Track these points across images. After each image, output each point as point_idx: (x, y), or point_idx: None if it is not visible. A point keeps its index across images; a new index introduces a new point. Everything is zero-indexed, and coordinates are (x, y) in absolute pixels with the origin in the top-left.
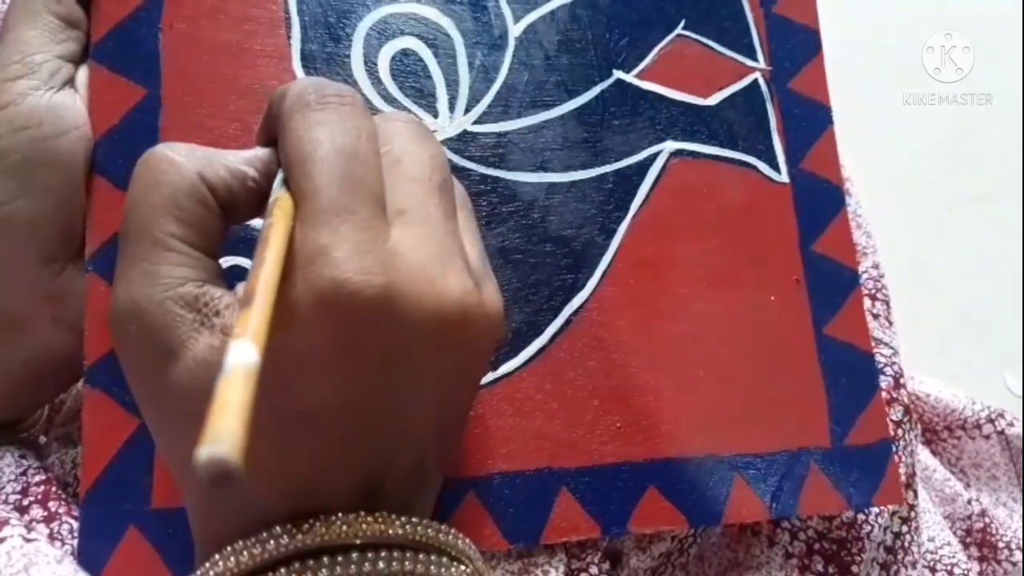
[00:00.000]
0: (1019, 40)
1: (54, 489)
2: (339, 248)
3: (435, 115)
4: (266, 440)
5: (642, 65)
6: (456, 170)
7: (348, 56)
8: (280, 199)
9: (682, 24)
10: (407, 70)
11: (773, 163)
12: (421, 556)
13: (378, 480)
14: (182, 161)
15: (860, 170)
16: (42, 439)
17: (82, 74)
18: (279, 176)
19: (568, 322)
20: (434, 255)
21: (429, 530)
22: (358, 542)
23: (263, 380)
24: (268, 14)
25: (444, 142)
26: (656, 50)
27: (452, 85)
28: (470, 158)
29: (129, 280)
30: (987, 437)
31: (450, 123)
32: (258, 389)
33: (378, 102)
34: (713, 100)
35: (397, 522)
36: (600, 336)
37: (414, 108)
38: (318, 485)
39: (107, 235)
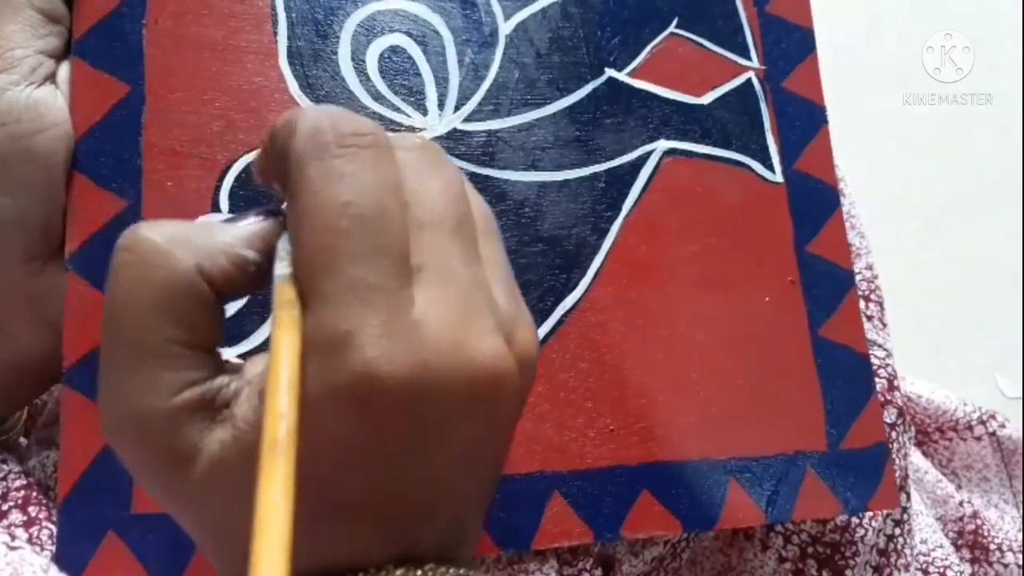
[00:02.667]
0: (1019, 40)
1: (34, 494)
2: (363, 334)
3: (424, 113)
4: (303, 530)
5: (634, 63)
6: None
7: (336, 53)
8: (284, 292)
9: (675, 22)
10: (396, 67)
11: (767, 163)
12: None
13: (415, 545)
14: (177, 254)
15: (859, 170)
16: (23, 441)
17: (64, 70)
18: (283, 245)
19: (560, 323)
20: (461, 319)
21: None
22: None
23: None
24: (254, 10)
25: (434, 140)
26: (648, 48)
27: (441, 83)
28: (460, 157)
29: (124, 391)
30: (979, 439)
31: (439, 121)
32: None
33: (367, 100)
34: (706, 99)
35: (431, 572)
36: (592, 337)
37: (403, 106)
38: (356, 559)
39: (88, 234)
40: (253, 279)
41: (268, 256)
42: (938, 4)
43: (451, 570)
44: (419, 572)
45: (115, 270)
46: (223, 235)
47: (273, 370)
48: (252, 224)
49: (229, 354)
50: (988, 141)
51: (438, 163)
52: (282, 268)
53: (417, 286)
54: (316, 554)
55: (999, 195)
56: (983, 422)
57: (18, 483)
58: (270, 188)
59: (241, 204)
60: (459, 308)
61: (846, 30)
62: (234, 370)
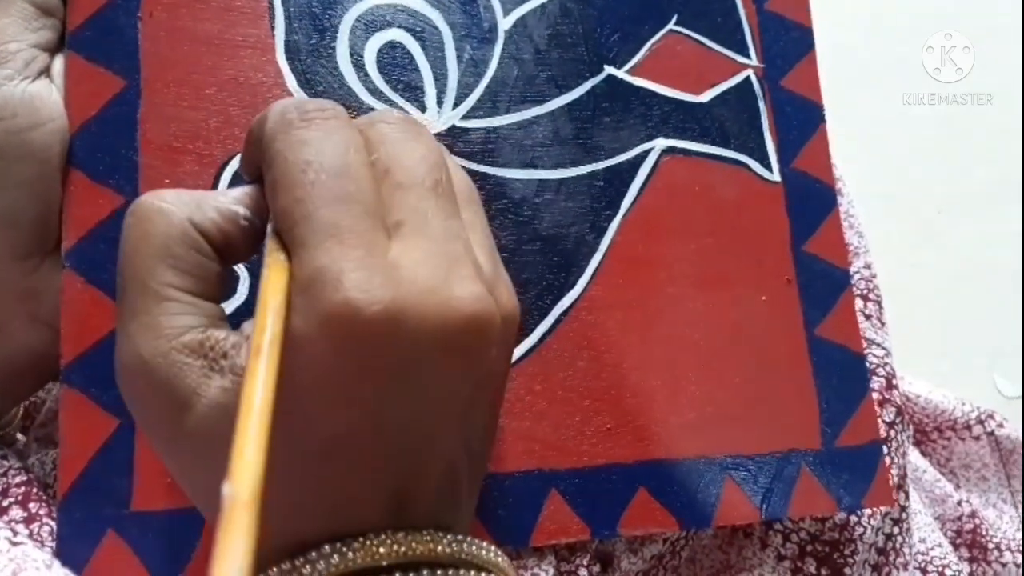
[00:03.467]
0: (1019, 40)
1: (35, 490)
2: (337, 268)
3: (423, 109)
4: (291, 474)
5: (633, 61)
6: None
7: (333, 48)
8: (270, 243)
9: (674, 20)
10: (394, 63)
11: (765, 162)
12: (451, 572)
13: (408, 497)
14: (170, 208)
15: (858, 170)
16: (20, 437)
17: (58, 64)
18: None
19: (558, 321)
20: (438, 264)
21: (464, 545)
22: (385, 564)
23: (279, 416)
24: (251, 4)
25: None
26: (648, 46)
27: (440, 79)
28: (459, 154)
29: (130, 335)
30: (977, 438)
31: (438, 118)
32: (275, 426)
33: (364, 95)
34: (705, 97)
35: (430, 539)
36: (590, 336)
37: (401, 102)
38: (348, 508)
39: (84, 230)
40: (246, 235)
41: (261, 217)
42: (938, 4)
43: (460, 539)
44: (430, 536)
45: (123, 231)
46: (216, 195)
47: (261, 300)
48: (243, 187)
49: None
50: (988, 141)
51: (417, 133)
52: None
53: (396, 237)
54: (308, 501)
55: (998, 195)
56: (981, 422)
57: (18, 479)
58: (253, 180)
59: None
60: (437, 256)
61: (846, 30)
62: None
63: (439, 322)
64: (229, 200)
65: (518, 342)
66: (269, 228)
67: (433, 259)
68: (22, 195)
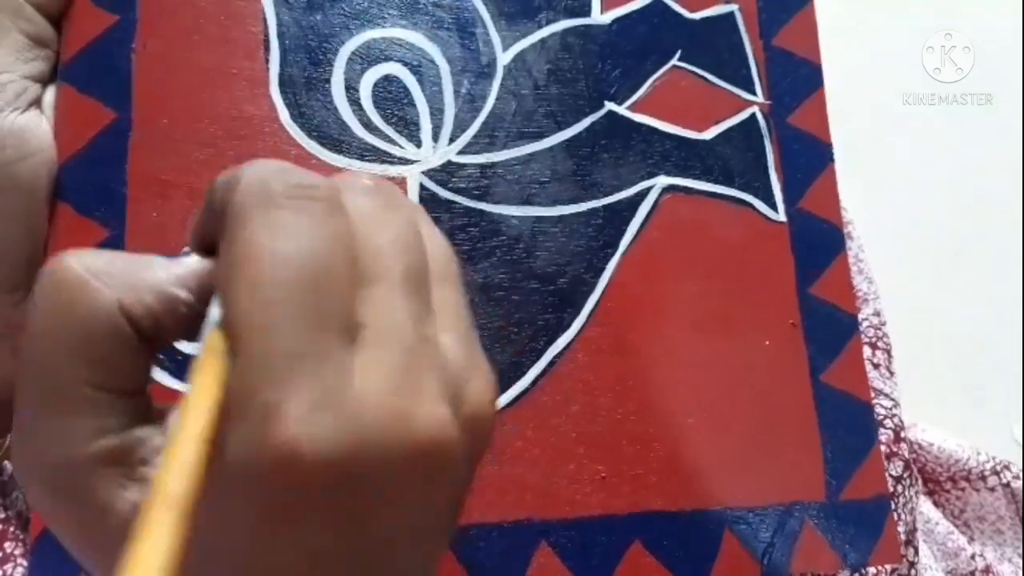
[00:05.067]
0: (1019, 40)
1: (12, 529)
2: (290, 406)
3: (418, 144)
4: None
5: (635, 97)
6: (439, 203)
7: (328, 81)
8: (214, 339)
9: (678, 55)
10: (390, 97)
11: (770, 201)
12: None
13: None
14: (98, 288)
15: (858, 169)
16: (7, 465)
17: (49, 95)
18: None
19: (552, 364)
20: (401, 384)
21: None
22: None
23: (196, 565)
24: (247, 36)
25: (427, 172)
26: (650, 81)
27: (437, 114)
28: (454, 189)
29: (35, 437)
30: (992, 489)
31: (433, 153)
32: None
33: (359, 130)
34: (709, 134)
35: None
36: (586, 379)
37: (396, 137)
38: None
39: None
40: (184, 322)
41: (204, 299)
42: (938, 4)
43: None
44: None
45: (33, 300)
46: (155, 270)
47: (184, 418)
48: (190, 262)
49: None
50: (988, 141)
51: (391, 208)
52: (217, 313)
53: (358, 347)
54: None
55: (1009, 234)
56: (997, 472)
57: None
58: (201, 253)
59: None
60: (400, 371)
61: (846, 30)
62: (160, 420)
63: (401, 455)
64: (170, 279)
65: (505, 389)
66: (214, 315)
67: (394, 379)
68: (9, 228)
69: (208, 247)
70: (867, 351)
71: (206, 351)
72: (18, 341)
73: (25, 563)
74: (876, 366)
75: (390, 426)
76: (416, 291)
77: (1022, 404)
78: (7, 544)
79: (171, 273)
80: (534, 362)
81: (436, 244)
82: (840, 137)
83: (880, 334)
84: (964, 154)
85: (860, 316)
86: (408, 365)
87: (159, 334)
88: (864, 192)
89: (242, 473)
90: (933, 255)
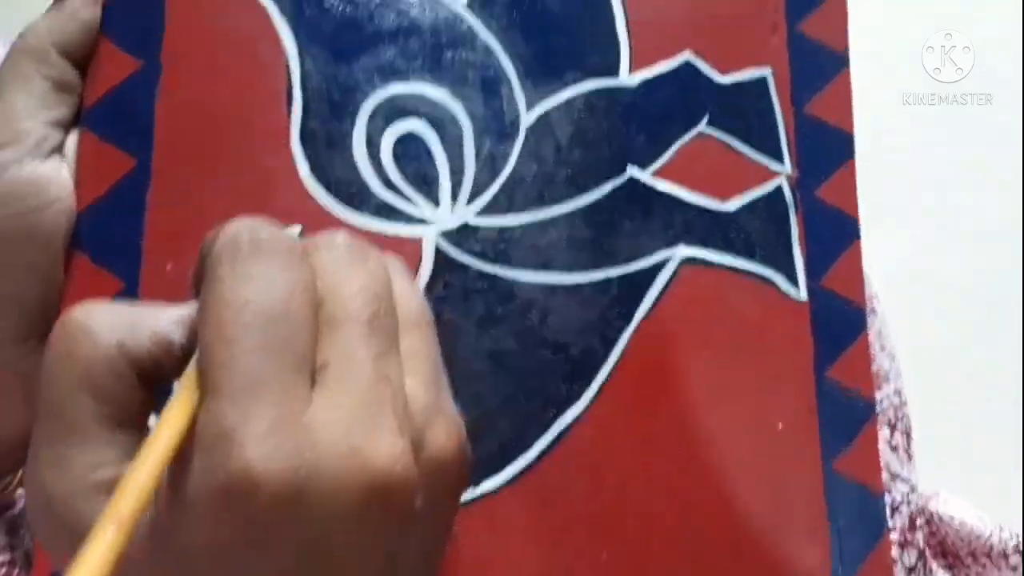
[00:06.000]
0: (1019, 40)
1: (16, 571)
2: (247, 432)
3: (436, 204)
4: None
5: (659, 163)
6: (454, 265)
7: (350, 136)
8: (187, 373)
9: (705, 120)
10: (411, 154)
11: (792, 278)
12: None
13: None
14: (98, 332)
15: (858, 169)
16: (18, 494)
17: (71, 140)
18: None
19: (559, 437)
20: (358, 418)
21: None
22: None
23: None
24: (270, 86)
25: (444, 234)
26: (675, 147)
27: (456, 173)
28: (469, 252)
29: (40, 465)
30: (1014, 569)
31: (451, 214)
32: None
33: (377, 187)
34: (732, 205)
35: None
36: (593, 455)
37: (414, 195)
38: None
39: None
40: (178, 362)
41: (194, 341)
42: (938, 4)
43: None
44: None
45: (47, 346)
46: (151, 317)
47: (147, 443)
48: (183, 308)
49: None
50: (988, 141)
51: (361, 258)
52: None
53: (318, 384)
54: None
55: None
56: (1020, 551)
57: (0, 559)
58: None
59: None
60: (358, 407)
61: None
62: None
63: (348, 489)
64: (166, 324)
65: (492, 465)
66: (194, 357)
67: (352, 413)
68: (27, 278)
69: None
70: (885, 432)
71: (181, 386)
72: (29, 387)
73: None
74: (894, 448)
75: (344, 455)
76: (380, 334)
77: None
78: None
79: (167, 317)
80: (540, 435)
81: (408, 295)
82: None
83: (900, 415)
84: (964, 154)
85: (880, 395)
86: (366, 400)
87: (157, 373)
88: (863, 191)
89: (203, 497)
90: (933, 252)
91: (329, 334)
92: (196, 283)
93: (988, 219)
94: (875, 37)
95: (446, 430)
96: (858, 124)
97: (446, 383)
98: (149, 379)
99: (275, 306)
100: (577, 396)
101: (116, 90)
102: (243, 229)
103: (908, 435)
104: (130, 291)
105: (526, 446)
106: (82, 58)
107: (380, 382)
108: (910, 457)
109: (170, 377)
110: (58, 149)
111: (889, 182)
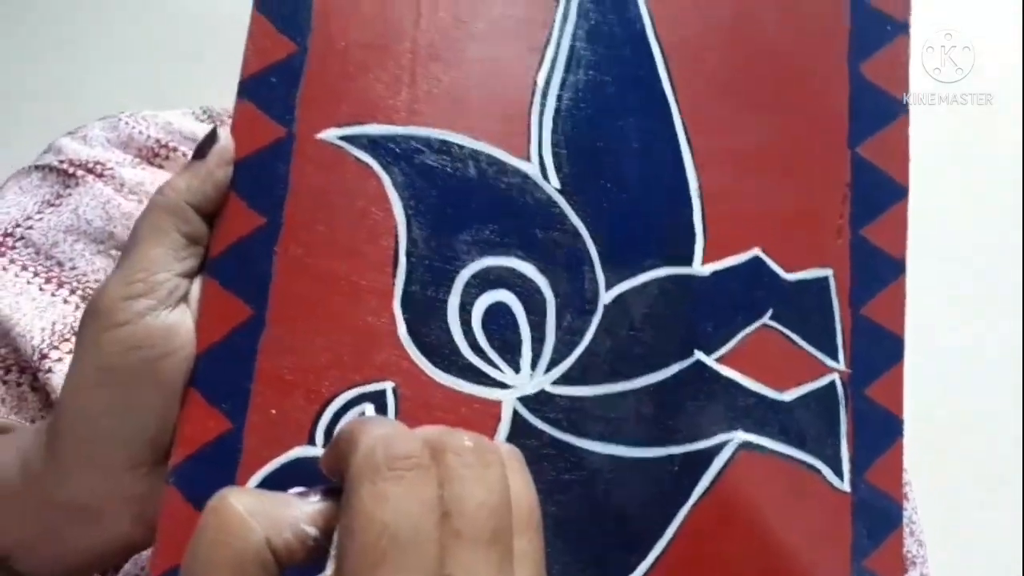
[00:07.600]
0: (1019, 40)
1: None
2: None
3: (517, 371)
4: None
5: (724, 350)
6: (530, 430)
7: (446, 302)
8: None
9: (769, 314)
10: (498, 323)
11: (837, 470)
12: None
13: None
14: (251, 524)
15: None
16: None
17: (195, 287)
18: (336, 540)
19: None
20: None
21: None
22: None
23: None
24: (378, 250)
25: (522, 399)
26: (740, 337)
27: (537, 343)
28: (544, 419)
29: None
30: None
31: (529, 381)
32: None
33: (466, 350)
34: (788, 396)
35: None
36: None
37: (499, 361)
38: None
39: (191, 449)
40: (311, 553)
41: (327, 533)
42: (938, 4)
43: None
44: None
45: (200, 527)
46: (292, 509)
47: None
48: (316, 503)
49: None
50: (988, 141)
51: (483, 465)
52: (335, 547)
53: None
54: None
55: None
56: None
57: None
58: (331, 477)
59: None
60: None
61: None
62: None
63: None
64: (304, 518)
65: None
66: (332, 557)
67: None
68: (147, 416)
69: (333, 475)
70: None
71: None
72: (137, 509)
73: None
74: None
75: None
76: (498, 547)
77: None
78: None
79: (304, 512)
80: None
81: (523, 494)
82: None
83: None
84: (964, 154)
85: None
86: None
87: (291, 561)
88: None
89: None
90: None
91: (455, 549)
92: (329, 467)
93: (988, 219)
94: None
95: None
96: None
97: None
98: (283, 566)
99: (409, 530)
100: (633, 567)
101: (240, 242)
102: (379, 446)
103: None
104: (237, 432)
105: None
106: (213, 213)
107: None
108: None
109: (301, 564)
110: (184, 298)
111: None
